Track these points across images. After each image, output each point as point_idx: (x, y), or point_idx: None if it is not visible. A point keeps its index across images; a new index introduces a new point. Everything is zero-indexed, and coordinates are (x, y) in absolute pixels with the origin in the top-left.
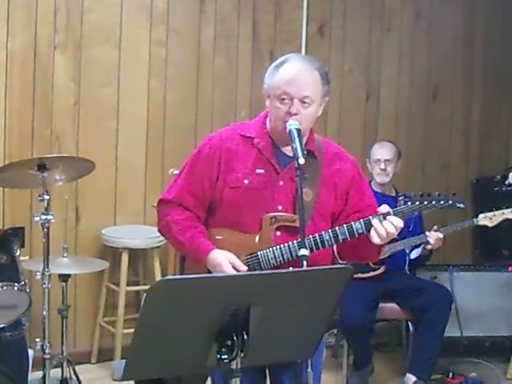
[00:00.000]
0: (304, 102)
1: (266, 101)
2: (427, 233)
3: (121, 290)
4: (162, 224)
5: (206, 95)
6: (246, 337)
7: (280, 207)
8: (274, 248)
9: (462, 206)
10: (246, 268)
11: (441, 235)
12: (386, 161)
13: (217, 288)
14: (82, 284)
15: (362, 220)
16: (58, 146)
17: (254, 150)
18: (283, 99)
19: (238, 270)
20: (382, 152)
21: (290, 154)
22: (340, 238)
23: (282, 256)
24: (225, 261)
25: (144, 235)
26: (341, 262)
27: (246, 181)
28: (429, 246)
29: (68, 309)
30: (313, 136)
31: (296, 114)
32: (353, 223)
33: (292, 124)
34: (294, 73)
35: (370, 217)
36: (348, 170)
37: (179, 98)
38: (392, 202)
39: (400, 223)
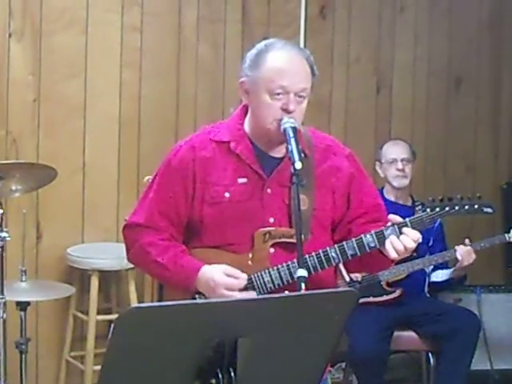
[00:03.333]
0: (299, 96)
1: (243, 95)
2: (456, 247)
3: (90, 319)
4: (134, 251)
5: (189, 89)
6: (232, 374)
7: (272, 220)
8: (271, 269)
9: (489, 210)
10: (245, 277)
11: (472, 250)
12: (403, 160)
13: (198, 317)
14: (45, 313)
15: (373, 232)
16: (14, 150)
17: (232, 157)
18: (278, 94)
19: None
20: (398, 150)
21: (276, 156)
22: (348, 253)
23: (281, 278)
24: (217, 272)
25: (117, 255)
26: (346, 272)
27: (227, 194)
28: (458, 264)
29: (28, 342)
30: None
31: (293, 111)
32: (363, 236)
33: (287, 122)
34: (286, 62)
35: (383, 228)
36: (345, 166)
37: (157, 93)
38: (408, 212)
39: (417, 236)
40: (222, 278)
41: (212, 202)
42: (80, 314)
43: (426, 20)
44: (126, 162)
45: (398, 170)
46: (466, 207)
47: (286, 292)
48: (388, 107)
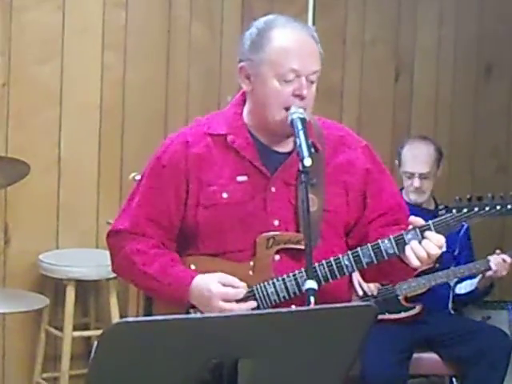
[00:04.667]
0: (311, 81)
1: (244, 81)
2: (489, 257)
3: (65, 335)
4: (119, 260)
5: (180, 74)
6: None
7: (276, 222)
8: (275, 280)
9: None
10: (244, 285)
11: (508, 259)
12: (421, 176)
13: (193, 334)
14: (13, 327)
15: (392, 237)
16: None
17: (230, 152)
18: (287, 78)
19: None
20: (416, 164)
21: (281, 150)
22: (364, 261)
23: (287, 290)
24: (213, 281)
25: (96, 262)
26: (359, 285)
27: (224, 195)
28: (489, 273)
29: None
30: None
31: (306, 97)
32: (380, 242)
33: (295, 112)
34: (295, 41)
35: (403, 232)
36: (360, 160)
37: (143, 78)
38: (430, 217)
39: (441, 241)
40: (218, 288)
41: (208, 205)
42: (53, 330)
43: None
44: (107, 156)
45: (415, 187)
46: (498, 207)
47: (293, 306)
48: (408, 96)
